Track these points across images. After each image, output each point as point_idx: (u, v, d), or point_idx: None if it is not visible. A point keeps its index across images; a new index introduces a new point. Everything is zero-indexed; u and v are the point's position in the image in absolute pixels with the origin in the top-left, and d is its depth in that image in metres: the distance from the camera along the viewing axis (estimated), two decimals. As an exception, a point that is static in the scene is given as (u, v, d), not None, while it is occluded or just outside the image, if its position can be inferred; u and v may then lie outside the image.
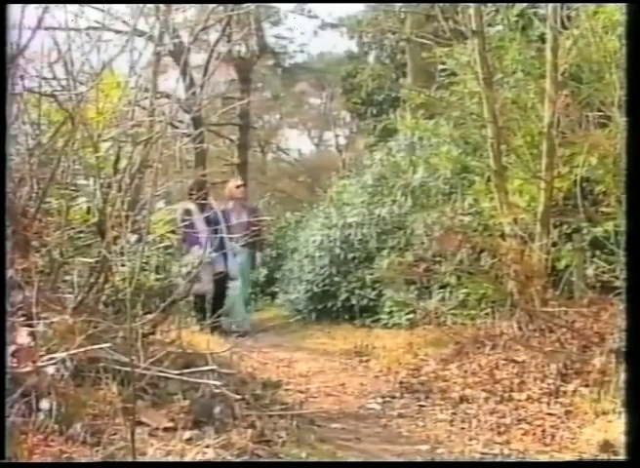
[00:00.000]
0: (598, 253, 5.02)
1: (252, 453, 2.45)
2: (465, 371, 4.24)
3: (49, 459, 2.08)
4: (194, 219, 6.30)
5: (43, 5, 2.81)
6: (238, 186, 8.18)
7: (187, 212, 6.46)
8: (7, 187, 2.50)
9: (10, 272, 2.44)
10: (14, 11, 2.60)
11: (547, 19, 5.07)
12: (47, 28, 2.91)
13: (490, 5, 6.38)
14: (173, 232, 4.42)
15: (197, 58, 15.40)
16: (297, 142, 24.24)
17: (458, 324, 5.33)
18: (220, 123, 16.08)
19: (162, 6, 3.43)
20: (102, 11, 5.76)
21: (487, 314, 5.19)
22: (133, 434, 2.13)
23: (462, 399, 3.80)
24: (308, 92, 21.70)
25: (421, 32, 7.82)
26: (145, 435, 2.37)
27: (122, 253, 2.78)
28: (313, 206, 10.24)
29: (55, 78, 3.07)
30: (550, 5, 5.03)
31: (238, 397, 2.85)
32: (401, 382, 4.24)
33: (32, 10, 2.78)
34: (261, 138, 20.65)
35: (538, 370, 3.98)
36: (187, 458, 2.25)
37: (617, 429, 2.86)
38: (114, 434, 2.27)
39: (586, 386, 3.61)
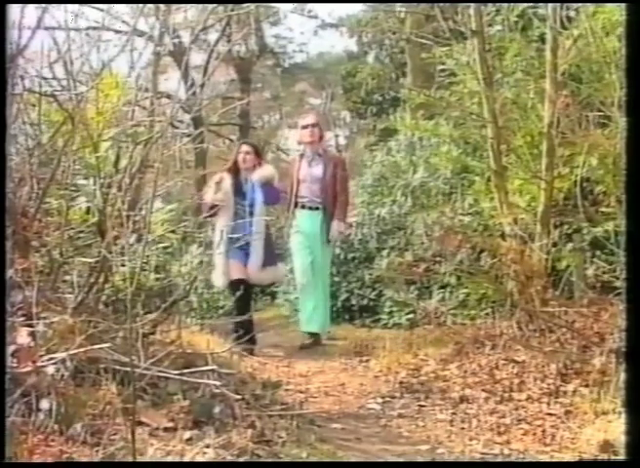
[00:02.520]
0: (598, 253, 5.03)
1: (252, 453, 2.45)
2: (465, 371, 4.24)
3: (49, 459, 2.08)
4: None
5: (43, 5, 2.81)
6: (305, 126, 5.83)
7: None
8: (7, 187, 2.50)
9: (10, 272, 2.44)
10: (14, 11, 2.60)
11: (547, 20, 5.07)
12: (47, 28, 2.91)
13: (490, 5, 6.39)
14: (173, 232, 4.42)
15: (197, 59, 15.44)
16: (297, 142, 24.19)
17: (458, 324, 5.33)
18: (221, 123, 16.11)
19: (162, 6, 3.43)
20: (102, 11, 5.78)
21: (487, 314, 5.20)
22: (133, 434, 2.13)
23: (462, 399, 3.80)
24: (308, 92, 21.70)
25: (421, 32, 7.82)
26: (145, 435, 2.37)
27: (122, 253, 2.78)
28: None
29: (55, 78, 3.07)
30: (550, 5, 5.03)
31: (238, 397, 2.85)
32: (401, 382, 4.24)
33: (32, 10, 2.78)
34: (261, 138, 20.64)
35: (538, 370, 3.98)
36: (187, 458, 2.25)
37: (617, 429, 2.86)
38: (114, 434, 2.27)
39: (586, 386, 3.61)
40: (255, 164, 5.44)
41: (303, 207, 5.75)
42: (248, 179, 5.43)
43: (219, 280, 5.39)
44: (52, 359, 2.32)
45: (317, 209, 5.70)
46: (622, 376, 3.21)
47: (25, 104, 2.99)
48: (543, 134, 5.04)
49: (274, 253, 5.60)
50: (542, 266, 4.77)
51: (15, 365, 2.24)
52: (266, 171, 5.53)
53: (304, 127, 5.80)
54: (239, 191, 5.40)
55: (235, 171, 5.46)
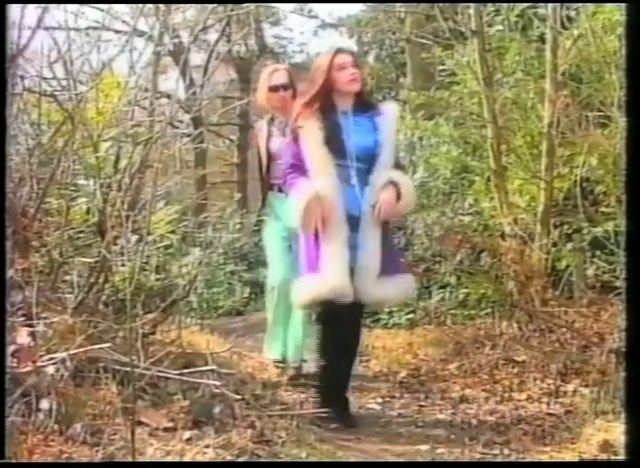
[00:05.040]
0: (598, 253, 5.03)
1: (252, 453, 2.44)
2: (465, 371, 4.24)
3: (49, 459, 2.08)
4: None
5: (43, 5, 2.81)
6: (274, 88, 4.16)
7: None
8: (7, 187, 2.50)
9: (10, 272, 2.44)
10: (14, 11, 2.60)
11: (547, 19, 5.07)
12: (47, 28, 2.91)
13: (490, 5, 6.39)
14: (173, 232, 4.42)
15: (197, 59, 15.43)
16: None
17: (458, 324, 5.33)
18: (220, 123, 16.08)
19: (162, 6, 3.43)
20: (102, 11, 5.79)
21: (487, 314, 5.20)
22: (133, 434, 2.13)
23: (462, 399, 3.80)
24: (308, 92, 21.67)
25: (421, 32, 7.83)
26: (145, 435, 2.37)
27: (122, 253, 2.79)
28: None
29: (55, 78, 3.08)
30: (550, 5, 5.03)
31: (238, 397, 2.84)
32: (401, 382, 4.24)
33: (32, 10, 2.78)
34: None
35: (538, 370, 3.99)
36: (187, 458, 2.25)
37: (617, 429, 2.86)
38: (114, 434, 2.27)
39: (586, 386, 3.61)
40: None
41: (281, 190, 4.00)
42: (347, 113, 3.28)
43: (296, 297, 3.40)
44: (52, 359, 2.32)
45: None
46: (622, 376, 3.20)
47: (25, 104, 3.00)
48: (543, 134, 5.05)
49: (398, 251, 3.56)
50: (542, 266, 4.78)
51: (15, 365, 2.24)
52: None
53: (274, 89, 4.18)
54: (335, 138, 3.23)
55: (326, 99, 3.28)
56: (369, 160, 3.25)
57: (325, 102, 3.27)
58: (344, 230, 3.18)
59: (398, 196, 3.23)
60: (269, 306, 4.23)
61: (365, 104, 3.35)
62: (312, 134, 3.22)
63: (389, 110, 3.40)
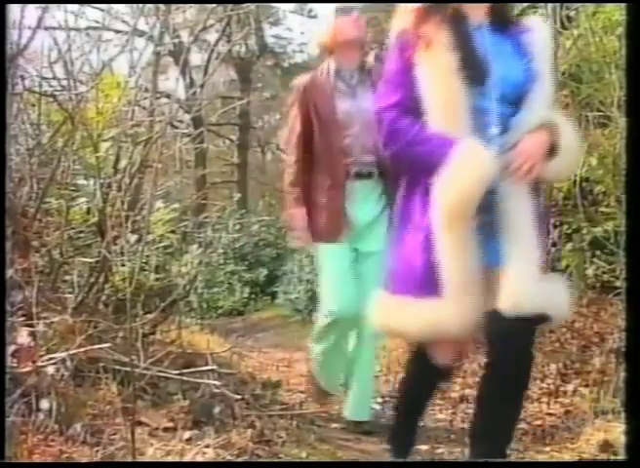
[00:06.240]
0: (598, 253, 5.02)
1: (252, 453, 2.45)
2: (465, 371, 4.23)
3: (49, 459, 2.08)
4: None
5: (43, 5, 2.81)
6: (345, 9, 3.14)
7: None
8: (7, 187, 2.50)
9: (10, 272, 2.44)
10: (14, 11, 2.60)
11: (547, 19, 5.07)
12: (47, 28, 2.91)
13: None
14: (173, 232, 4.42)
15: (197, 59, 15.45)
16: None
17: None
18: (220, 123, 16.09)
19: (162, 6, 3.43)
20: (102, 11, 5.79)
21: (487, 314, 5.19)
22: (133, 434, 2.13)
23: (462, 399, 3.80)
24: (308, 92, 21.65)
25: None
26: (145, 435, 2.37)
27: (122, 253, 2.79)
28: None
29: (55, 78, 3.08)
30: (550, 5, 5.03)
31: (238, 397, 2.85)
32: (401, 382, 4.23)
33: (32, 10, 2.79)
34: (261, 138, 20.65)
35: (537, 370, 3.98)
36: (187, 458, 2.25)
37: (616, 429, 2.86)
38: (114, 434, 2.27)
39: (586, 386, 3.61)
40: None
41: (360, 175, 3.08)
42: (482, 27, 2.09)
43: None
44: (52, 359, 2.33)
45: (370, 175, 3.06)
46: (622, 376, 3.21)
47: (25, 104, 3.00)
48: (543, 134, 5.04)
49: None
50: (542, 266, 4.77)
51: (15, 365, 2.24)
52: None
53: (346, 11, 3.05)
54: (475, 62, 2.02)
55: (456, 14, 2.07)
56: (515, 99, 2.06)
57: (451, 7, 2.05)
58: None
59: (552, 150, 2.04)
60: (315, 337, 3.37)
61: (504, 17, 2.13)
62: (441, 52, 1.99)
63: (539, 27, 2.20)
